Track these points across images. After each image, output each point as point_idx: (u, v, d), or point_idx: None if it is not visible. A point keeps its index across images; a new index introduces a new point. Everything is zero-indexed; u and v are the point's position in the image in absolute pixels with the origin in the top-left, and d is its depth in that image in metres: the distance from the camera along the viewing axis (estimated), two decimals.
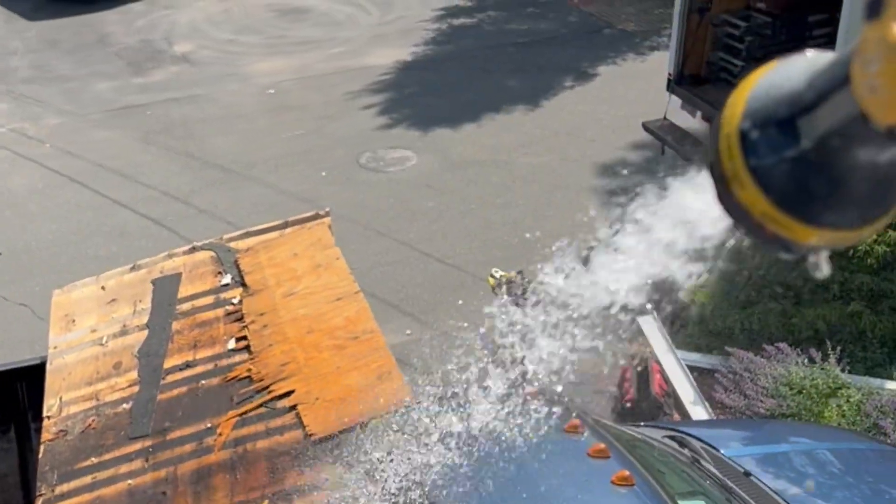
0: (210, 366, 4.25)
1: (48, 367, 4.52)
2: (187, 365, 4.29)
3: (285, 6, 17.45)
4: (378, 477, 3.50)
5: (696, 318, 7.54)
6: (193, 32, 16.35)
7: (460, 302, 7.78)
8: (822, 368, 6.58)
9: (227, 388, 4.11)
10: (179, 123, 12.91)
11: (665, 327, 7.25)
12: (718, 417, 6.60)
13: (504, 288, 8.57)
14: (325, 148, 11.98)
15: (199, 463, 3.77)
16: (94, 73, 14.69)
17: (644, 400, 6.91)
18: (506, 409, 3.56)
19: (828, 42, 9.25)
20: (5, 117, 13.25)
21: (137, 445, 3.92)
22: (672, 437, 4.80)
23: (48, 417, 4.20)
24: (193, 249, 5.07)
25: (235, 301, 4.59)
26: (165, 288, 4.79)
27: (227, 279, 4.75)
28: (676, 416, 6.72)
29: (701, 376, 7.01)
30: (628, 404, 6.94)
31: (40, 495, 3.81)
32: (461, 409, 3.65)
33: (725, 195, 1.16)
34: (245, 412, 3.94)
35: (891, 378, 6.72)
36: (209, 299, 4.67)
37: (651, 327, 7.21)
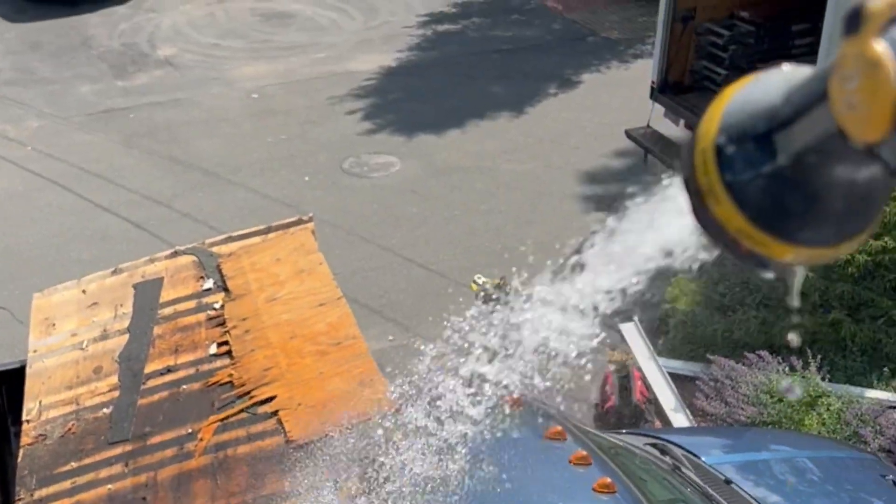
0: (191, 371, 4.24)
1: (28, 370, 4.49)
2: (168, 370, 4.27)
3: (270, 11, 17.42)
4: (359, 484, 3.49)
5: (678, 325, 7.55)
6: (177, 36, 16.30)
7: (444, 310, 7.77)
8: (803, 377, 6.61)
9: (209, 393, 4.09)
10: (162, 127, 12.87)
11: (647, 334, 7.27)
12: (699, 425, 6.61)
13: (487, 294, 8.58)
14: (309, 153, 11.96)
15: (179, 468, 3.75)
16: (77, 76, 14.63)
17: (625, 407, 6.92)
18: (487, 417, 3.56)
19: (811, 51, 9.31)
20: None
21: (117, 450, 3.90)
22: (653, 445, 4.81)
23: (27, 421, 4.17)
24: (175, 254, 5.06)
25: (217, 306, 4.58)
26: (147, 292, 4.78)
27: (209, 284, 4.74)
28: (658, 423, 6.74)
29: (682, 383, 7.02)
30: (610, 411, 6.95)
31: (19, 500, 3.79)
32: (442, 416, 3.64)
33: (700, 210, 1.15)
34: (226, 417, 3.92)
35: (871, 387, 6.75)
36: (191, 304, 4.65)
37: (633, 334, 7.23)
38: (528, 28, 16.35)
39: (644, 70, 12.25)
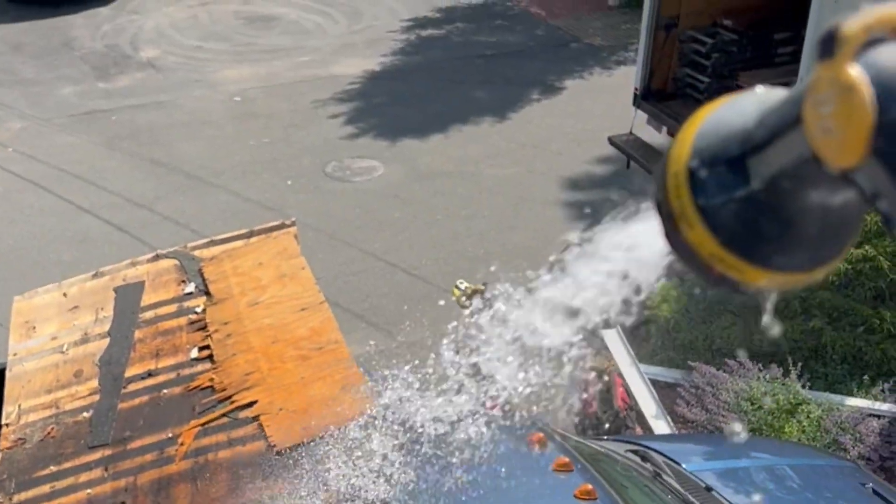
0: (172, 375, 4.22)
1: (7, 374, 4.46)
2: (149, 374, 4.25)
3: (253, 14, 17.40)
4: (341, 489, 3.48)
5: (660, 331, 7.57)
6: (160, 38, 16.26)
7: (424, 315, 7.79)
8: (783, 384, 6.63)
9: (190, 397, 4.07)
10: (144, 129, 12.83)
11: (628, 341, 7.28)
12: (680, 431, 6.63)
13: (469, 299, 8.58)
14: (292, 156, 11.95)
15: (159, 473, 3.73)
16: (59, 78, 14.57)
17: (606, 413, 6.93)
18: (468, 423, 3.56)
19: (793, 59, 9.36)
20: None
21: (97, 454, 3.87)
22: (634, 452, 4.81)
23: (6, 425, 4.14)
24: (157, 257, 5.03)
25: (199, 310, 4.56)
26: (128, 296, 4.75)
27: (190, 288, 4.72)
28: (638, 430, 6.75)
29: (663, 390, 7.04)
30: (591, 418, 6.96)
31: None
32: (424, 422, 3.64)
33: (673, 234, 1.14)
34: (207, 422, 3.91)
35: (851, 394, 6.78)
36: (172, 308, 4.63)
37: (614, 341, 7.23)
38: (512, 34, 16.39)
39: (627, 77, 12.30)
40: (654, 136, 10.60)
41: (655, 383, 7.03)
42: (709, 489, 4.64)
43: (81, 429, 4.02)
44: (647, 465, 4.59)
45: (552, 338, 2.63)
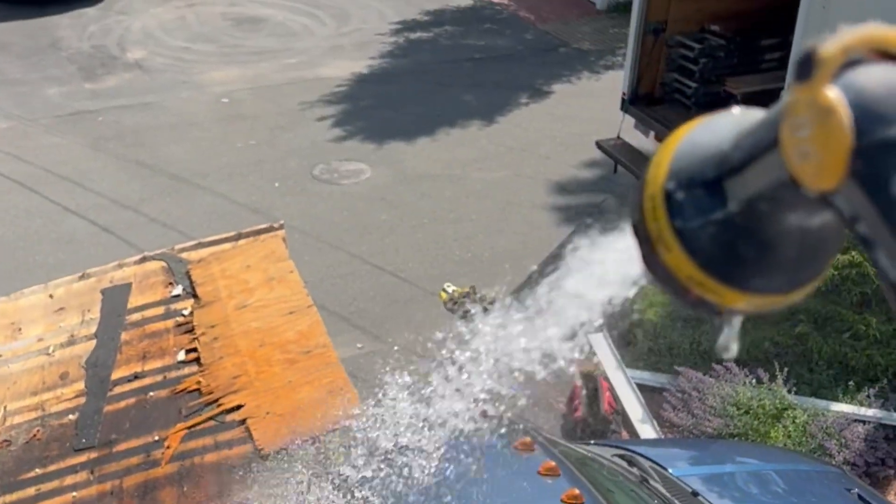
0: (159, 377, 4.21)
1: None
2: (135, 376, 4.23)
3: (240, 15, 17.37)
4: (326, 494, 3.47)
5: (646, 336, 7.58)
6: (147, 39, 16.22)
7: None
8: (770, 389, 6.65)
9: (176, 400, 4.06)
10: (131, 130, 12.79)
11: (615, 345, 7.29)
12: (666, 436, 6.64)
13: (456, 302, 8.59)
14: (279, 158, 11.93)
15: (145, 476, 3.72)
16: (45, 78, 14.51)
17: (593, 417, 6.94)
18: (455, 427, 3.55)
19: (780, 66, 9.39)
20: None
21: (83, 457, 3.86)
22: (621, 456, 4.81)
23: None
24: (144, 259, 5.02)
25: (186, 312, 4.54)
26: (115, 298, 4.74)
27: (178, 290, 4.70)
28: (625, 434, 6.76)
29: (650, 394, 7.05)
30: (578, 422, 6.97)
31: None
32: (409, 427, 3.63)
33: (650, 256, 1.12)
34: (194, 425, 3.89)
35: (836, 400, 6.80)
36: (159, 310, 4.62)
37: (602, 345, 7.25)
38: (501, 37, 16.41)
39: (615, 81, 12.33)
40: (641, 141, 10.62)
41: (642, 387, 7.05)
42: (695, 494, 4.64)
43: (67, 431, 4.00)
44: (634, 470, 4.59)
45: (538, 341, 2.63)
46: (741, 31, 10.30)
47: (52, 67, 14.95)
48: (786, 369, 6.77)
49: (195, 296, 4.65)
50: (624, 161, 10.50)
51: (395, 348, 7.81)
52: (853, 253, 6.93)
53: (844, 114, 0.89)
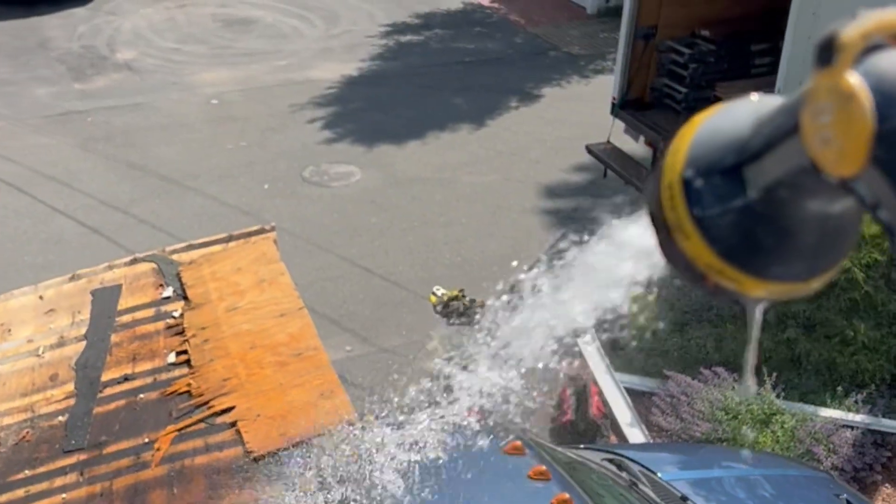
0: (149, 379, 4.19)
1: None
2: (125, 378, 4.22)
3: (231, 17, 17.35)
4: (316, 497, 3.47)
5: (635, 340, 7.59)
6: (137, 40, 16.19)
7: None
8: (758, 394, 6.66)
9: (166, 402, 4.05)
10: (121, 131, 12.76)
11: (604, 349, 7.30)
12: (655, 440, 6.65)
13: (446, 306, 8.60)
14: (269, 160, 11.92)
15: (135, 478, 3.70)
16: (34, 78, 14.47)
17: (582, 421, 6.94)
18: (446, 430, 3.56)
19: (770, 71, 9.41)
20: None
21: (72, 459, 3.84)
22: (611, 460, 4.82)
23: None
24: (135, 261, 5.00)
25: (176, 314, 4.53)
26: (105, 299, 4.72)
27: (168, 292, 4.69)
28: (613, 438, 6.76)
29: (638, 399, 7.06)
30: (566, 426, 6.97)
31: None
32: (400, 430, 3.63)
33: (668, 244, 1.12)
34: (184, 427, 3.88)
35: (824, 405, 6.81)
36: (149, 312, 4.60)
37: (590, 349, 7.25)
38: (491, 41, 16.42)
39: (604, 85, 12.35)
40: (631, 145, 10.65)
41: (630, 392, 7.05)
42: (684, 499, 4.65)
43: (57, 433, 3.98)
44: (623, 474, 4.60)
45: (528, 345, 2.63)
46: (731, 37, 10.33)
47: (42, 67, 14.92)
48: (774, 374, 6.78)
49: (186, 298, 4.64)
50: (614, 165, 10.53)
51: (384, 351, 7.82)
52: None
53: (866, 99, 0.89)
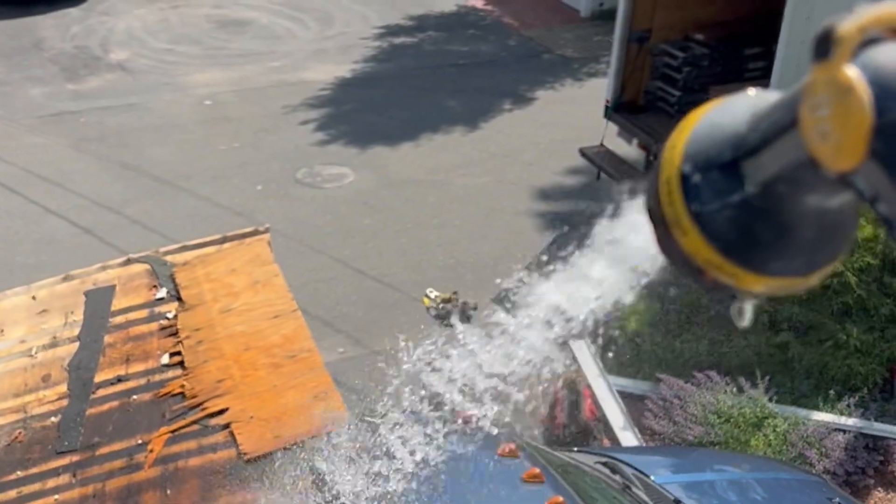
0: (142, 381, 4.18)
1: None
2: (119, 379, 4.21)
3: (224, 18, 17.33)
4: (309, 499, 3.47)
5: (629, 343, 7.59)
6: (130, 40, 16.16)
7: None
8: (750, 398, 6.67)
9: (160, 403, 4.04)
10: (114, 132, 12.74)
11: (597, 352, 7.30)
12: (647, 443, 6.65)
13: (439, 308, 8.60)
14: (262, 161, 11.90)
15: (128, 479, 3.70)
16: (28, 78, 14.44)
17: (575, 425, 6.94)
18: (440, 434, 3.55)
19: (763, 75, 9.44)
20: None
21: (65, 460, 3.83)
22: (604, 463, 4.82)
23: None
24: (128, 262, 4.99)
25: (170, 315, 4.52)
26: (98, 300, 4.71)
27: (162, 293, 4.68)
28: (606, 442, 6.76)
29: (631, 402, 7.06)
30: (559, 429, 6.97)
31: None
32: (394, 433, 3.63)
33: (666, 240, 1.12)
34: (177, 429, 3.87)
35: (817, 409, 6.83)
36: (143, 313, 4.59)
37: (583, 352, 7.25)
38: (484, 43, 16.42)
39: (598, 88, 12.36)
40: (625, 148, 10.66)
41: (623, 395, 7.06)
42: (677, 502, 4.66)
43: (49, 434, 3.97)
44: (617, 477, 4.60)
45: (521, 348, 2.63)
46: (725, 40, 10.36)
47: (35, 68, 14.88)
48: (766, 378, 6.79)
49: (179, 299, 4.63)
50: (607, 168, 10.55)
51: (377, 353, 7.81)
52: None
53: (864, 92, 0.89)
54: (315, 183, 11.41)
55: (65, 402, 4.13)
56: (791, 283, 1.12)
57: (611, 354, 7.56)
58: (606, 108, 10.67)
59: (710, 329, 7.41)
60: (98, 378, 4.23)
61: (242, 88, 14.29)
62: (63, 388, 4.21)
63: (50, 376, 4.29)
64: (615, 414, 6.87)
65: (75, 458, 3.84)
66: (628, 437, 6.67)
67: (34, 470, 3.82)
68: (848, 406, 6.77)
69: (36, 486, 3.74)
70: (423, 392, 3.59)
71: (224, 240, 5.04)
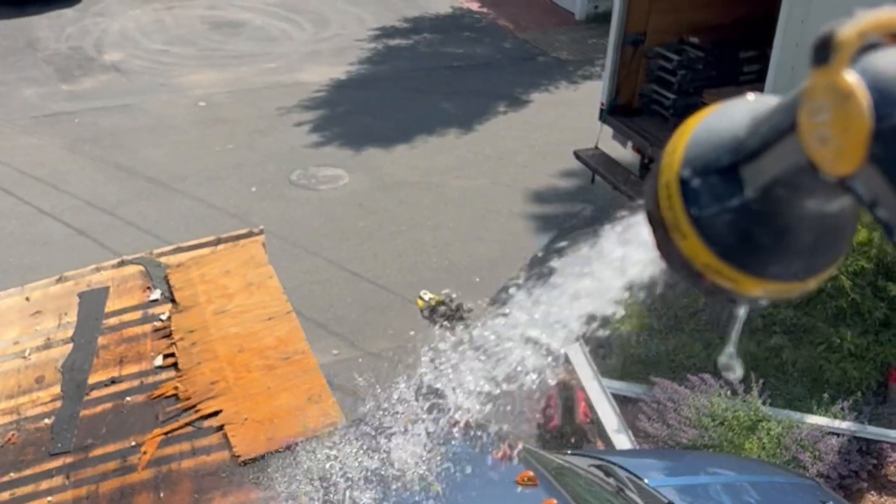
0: (136, 382, 4.17)
1: None
2: (112, 381, 4.20)
3: (219, 19, 17.32)
4: (303, 502, 3.46)
5: (623, 346, 7.60)
6: (125, 41, 16.14)
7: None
8: (744, 401, 6.67)
9: (153, 405, 4.03)
10: (108, 133, 12.73)
11: (591, 355, 7.30)
12: (641, 446, 6.65)
13: (433, 310, 8.59)
14: (257, 163, 11.90)
15: (122, 481, 3.69)
16: (22, 79, 14.42)
17: (569, 427, 6.94)
18: (433, 436, 3.55)
19: (758, 79, 9.45)
20: None
21: (58, 462, 3.82)
22: (598, 466, 4.82)
23: None
24: (122, 263, 4.98)
25: (164, 317, 4.51)
26: (92, 301, 4.70)
27: (156, 295, 4.67)
28: (600, 444, 6.76)
29: (625, 405, 7.06)
30: (553, 431, 6.97)
31: None
32: (387, 435, 3.63)
33: (665, 244, 1.12)
34: (171, 431, 3.86)
35: (811, 412, 6.83)
36: (137, 314, 4.58)
37: (577, 355, 7.25)
38: (479, 46, 16.43)
39: (593, 91, 12.38)
40: (619, 151, 10.67)
41: (617, 398, 7.05)
42: None
43: (43, 435, 3.96)
44: (611, 480, 4.60)
45: (515, 350, 2.63)
46: (720, 44, 10.36)
47: (29, 68, 14.87)
48: (760, 381, 6.79)
49: (173, 300, 4.62)
50: (602, 171, 10.55)
51: (371, 355, 7.81)
52: None
53: (863, 97, 0.89)
54: (310, 185, 11.40)
55: (58, 404, 4.12)
56: (790, 288, 1.12)
57: (605, 357, 7.57)
58: (601, 110, 10.67)
59: (703, 332, 7.42)
60: (92, 380, 4.22)
61: (237, 90, 14.28)
62: (56, 389, 4.20)
63: (43, 378, 4.28)
64: (609, 416, 6.87)
65: (69, 459, 3.83)
66: (622, 440, 6.67)
67: (27, 472, 3.81)
68: (842, 410, 6.77)
69: (29, 488, 3.73)
70: (415, 394, 3.59)
71: (218, 241, 5.04)
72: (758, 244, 1.07)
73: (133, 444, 3.84)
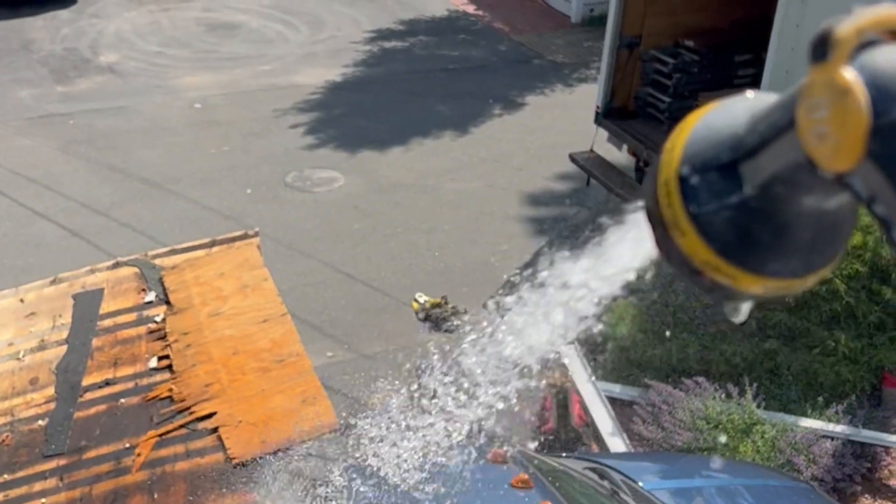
0: (130, 384, 4.16)
1: None
2: (107, 383, 4.19)
3: (215, 21, 17.30)
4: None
5: (617, 349, 7.59)
6: (120, 43, 16.12)
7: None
8: (739, 404, 6.67)
9: (148, 407, 4.03)
10: (102, 134, 12.71)
11: (586, 358, 7.29)
12: (636, 449, 6.65)
13: (428, 313, 8.58)
14: (252, 165, 11.89)
15: (115, 483, 3.68)
16: (16, 80, 14.40)
17: (563, 430, 6.93)
18: (428, 438, 3.55)
19: (753, 82, 9.46)
20: None
21: (52, 464, 3.82)
22: (593, 469, 4.82)
23: None
24: (117, 265, 4.97)
25: (158, 319, 4.51)
26: (87, 303, 4.69)
27: (150, 296, 4.66)
28: (595, 447, 6.76)
29: (620, 408, 7.06)
30: (548, 434, 6.96)
31: None
32: (381, 438, 3.63)
33: (664, 241, 1.12)
34: (165, 433, 3.86)
35: (805, 415, 6.83)
36: (131, 316, 4.58)
37: (572, 357, 7.24)
38: (475, 48, 16.43)
39: (588, 94, 12.38)
40: (614, 154, 10.67)
41: (612, 401, 7.05)
42: None
43: (37, 437, 3.96)
44: (605, 483, 4.60)
45: (510, 352, 2.63)
46: (715, 47, 10.38)
47: (24, 69, 14.84)
48: (755, 384, 6.80)
49: (168, 302, 4.62)
50: (597, 174, 10.56)
51: (365, 358, 7.80)
52: None
53: (861, 94, 0.90)
54: (304, 187, 11.40)
55: (52, 406, 4.11)
56: (788, 285, 1.12)
57: (600, 360, 7.57)
58: (596, 113, 10.67)
59: (698, 335, 7.42)
60: (86, 381, 4.21)
61: (232, 92, 14.27)
62: (50, 391, 4.20)
63: (37, 379, 4.28)
64: (604, 419, 6.86)
65: (62, 461, 3.82)
66: (617, 443, 6.66)
67: (21, 473, 3.80)
68: (836, 413, 6.78)
69: (23, 490, 3.73)
70: (410, 396, 3.59)
71: (213, 243, 5.03)
72: (756, 241, 1.07)
73: (127, 445, 3.84)
